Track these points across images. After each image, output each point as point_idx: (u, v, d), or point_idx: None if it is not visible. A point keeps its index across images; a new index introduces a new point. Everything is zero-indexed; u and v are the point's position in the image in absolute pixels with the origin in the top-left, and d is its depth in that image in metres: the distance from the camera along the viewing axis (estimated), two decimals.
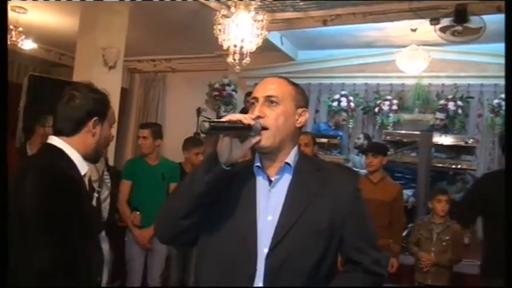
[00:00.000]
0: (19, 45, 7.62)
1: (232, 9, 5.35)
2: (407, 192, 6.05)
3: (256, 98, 1.69)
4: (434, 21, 5.89)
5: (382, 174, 4.62)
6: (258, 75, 8.87)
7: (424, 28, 6.41)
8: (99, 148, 2.09)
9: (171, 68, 10.19)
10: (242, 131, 1.57)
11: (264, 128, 1.62)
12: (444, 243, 4.28)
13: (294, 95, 1.71)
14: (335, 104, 8.03)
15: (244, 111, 7.13)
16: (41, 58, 10.07)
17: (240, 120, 1.54)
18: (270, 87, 1.70)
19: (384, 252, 4.29)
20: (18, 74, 9.91)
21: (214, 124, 1.50)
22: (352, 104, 8.04)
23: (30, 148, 4.11)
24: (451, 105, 7.23)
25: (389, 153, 6.65)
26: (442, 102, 7.37)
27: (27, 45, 8.03)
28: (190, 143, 4.60)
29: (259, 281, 1.57)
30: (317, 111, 8.68)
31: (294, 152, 1.72)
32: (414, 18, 6.13)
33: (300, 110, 1.72)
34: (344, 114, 7.77)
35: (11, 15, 7.29)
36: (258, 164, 1.71)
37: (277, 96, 1.67)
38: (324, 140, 7.00)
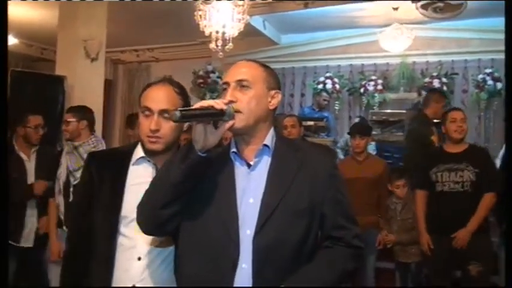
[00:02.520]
0: None
1: None
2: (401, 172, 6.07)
3: (227, 83, 1.69)
4: None
5: (366, 153, 4.68)
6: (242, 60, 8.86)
7: (406, 6, 6.42)
8: None
9: (154, 58, 10.13)
10: (215, 117, 1.57)
11: (237, 111, 1.62)
12: (406, 222, 4.40)
13: (265, 77, 1.71)
14: (320, 86, 8.02)
15: None
16: (23, 53, 9.93)
17: (212, 106, 1.54)
18: (240, 71, 1.70)
19: (372, 230, 4.40)
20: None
21: (185, 112, 1.49)
22: (337, 86, 8.03)
23: (17, 145, 4.07)
24: (435, 83, 7.24)
25: (376, 133, 6.71)
26: (426, 80, 7.39)
27: (8, 40, 7.90)
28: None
29: (243, 262, 1.58)
30: (303, 95, 8.70)
31: (270, 133, 1.72)
32: None
33: (272, 92, 1.72)
34: (325, 94, 7.75)
35: None
36: (234, 149, 1.71)
37: (248, 79, 1.67)
38: (311, 123, 6.99)
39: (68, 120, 3.72)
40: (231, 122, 1.60)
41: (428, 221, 4.01)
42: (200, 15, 5.36)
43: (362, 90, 7.96)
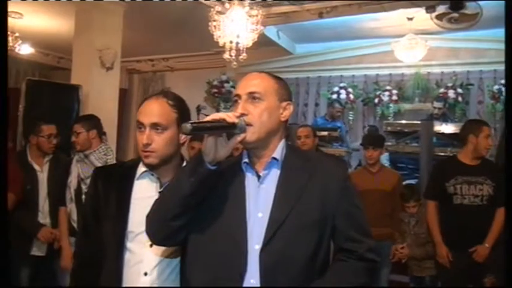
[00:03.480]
0: (16, 50, 7.60)
1: (227, 5, 5.36)
2: (411, 182, 6.02)
3: (239, 95, 1.67)
4: (430, 9, 5.87)
5: (380, 164, 4.64)
6: (256, 70, 8.82)
7: (421, 16, 6.38)
8: None
9: (169, 67, 10.19)
10: (226, 130, 1.56)
11: (249, 125, 1.60)
12: (419, 236, 4.33)
13: (276, 89, 1.69)
14: (334, 96, 8.00)
15: None
16: (40, 62, 10.09)
17: (224, 119, 1.53)
18: (252, 83, 1.68)
19: (386, 242, 4.35)
20: (16, 80, 9.91)
21: (196, 125, 1.48)
22: (351, 96, 8.02)
23: (30, 154, 4.07)
24: (451, 93, 7.18)
25: (391, 144, 6.67)
26: (441, 90, 7.32)
27: (25, 50, 8.03)
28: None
29: (250, 277, 1.57)
30: (317, 104, 8.67)
31: (280, 146, 1.70)
32: (410, 7, 6.11)
33: (284, 104, 1.70)
34: (337, 106, 7.72)
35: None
36: (246, 160, 1.69)
37: (260, 92, 1.65)
38: (325, 133, 6.97)
39: (78, 131, 3.73)
40: (242, 135, 1.59)
41: (445, 233, 3.93)
42: (214, 26, 5.38)
43: (376, 100, 7.92)
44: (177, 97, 1.95)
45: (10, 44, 7.34)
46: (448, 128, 6.74)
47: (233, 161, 1.72)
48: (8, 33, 7.28)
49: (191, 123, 1.46)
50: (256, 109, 1.63)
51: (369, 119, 8.22)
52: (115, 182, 1.96)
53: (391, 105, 7.77)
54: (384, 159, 6.24)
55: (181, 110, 1.92)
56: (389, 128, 7.07)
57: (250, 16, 5.38)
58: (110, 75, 6.38)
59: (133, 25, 6.87)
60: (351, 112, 8.15)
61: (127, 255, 1.88)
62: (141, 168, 1.95)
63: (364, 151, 4.71)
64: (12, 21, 7.34)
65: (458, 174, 3.89)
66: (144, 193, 1.90)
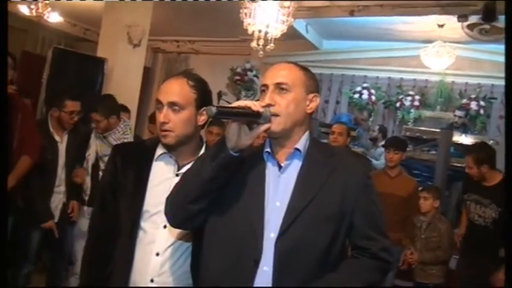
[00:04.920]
0: (45, 17, 7.61)
1: None
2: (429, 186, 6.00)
3: (266, 85, 1.68)
4: (462, 18, 5.81)
5: (399, 169, 4.62)
6: (281, 62, 8.84)
7: (451, 24, 6.33)
8: None
9: (194, 50, 10.18)
10: (251, 118, 1.57)
11: (275, 115, 1.62)
12: (429, 240, 4.30)
13: (304, 80, 1.70)
14: (356, 96, 7.97)
15: None
16: (66, 32, 10.09)
17: (249, 107, 1.54)
18: (280, 73, 1.68)
19: (395, 248, 4.33)
20: (42, 47, 9.99)
21: (221, 109, 1.50)
22: (373, 97, 8.00)
23: (51, 125, 4.08)
24: (473, 105, 7.14)
25: (408, 149, 6.64)
26: (464, 101, 7.29)
27: (53, 18, 8.02)
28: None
29: (264, 265, 1.58)
30: (338, 102, 8.65)
31: (304, 137, 1.71)
32: (442, 13, 6.05)
33: (310, 96, 1.71)
34: (365, 114, 7.71)
35: None
36: (268, 149, 1.71)
37: (288, 83, 1.66)
38: None
39: (97, 119, 3.75)
40: (266, 125, 1.60)
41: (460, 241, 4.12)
42: (245, 13, 5.36)
43: (398, 104, 7.89)
44: (199, 78, 1.94)
45: (39, 10, 7.37)
46: (467, 139, 6.69)
47: (256, 150, 1.73)
48: None
49: (217, 106, 1.48)
50: (283, 100, 1.64)
51: (389, 122, 8.17)
52: (134, 161, 1.97)
53: (412, 110, 7.73)
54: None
55: (201, 91, 1.91)
56: (408, 133, 7.04)
57: (281, 7, 5.36)
58: (136, 52, 6.38)
59: (162, 4, 6.87)
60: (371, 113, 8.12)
61: (140, 234, 1.90)
62: (160, 150, 1.96)
63: (385, 153, 4.69)
64: None
65: (471, 191, 4.00)
66: (162, 175, 1.92)
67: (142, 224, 1.90)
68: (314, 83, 1.75)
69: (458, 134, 6.68)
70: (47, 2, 7.49)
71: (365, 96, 7.93)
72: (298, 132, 1.70)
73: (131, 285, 1.88)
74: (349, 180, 1.67)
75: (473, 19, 5.80)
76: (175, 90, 1.86)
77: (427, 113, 7.69)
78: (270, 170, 1.69)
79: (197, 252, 1.82)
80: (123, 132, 3.79)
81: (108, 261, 1.92)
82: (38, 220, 3.84)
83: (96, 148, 3.80)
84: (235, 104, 1.56)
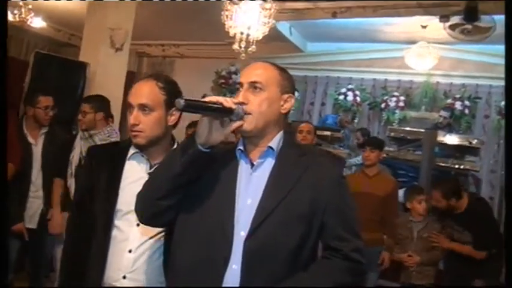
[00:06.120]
0: (28, 22, 7.58)
1: None
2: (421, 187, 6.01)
3: (241, 84, 1.68)
4: (444, 18, 5.81)
5: (378, 168, 4.64)
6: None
7: (435, 25, 6.33)
8: None
9: (179, 54, 10.13)
10: (222, 114, 1.56)
11: (247, 113, 1.61)
12: (425, 241, 4.23)
13: (279, 80, 1.70)
14: (341, 97, 7.97)
15: None
16: (51, 37, 10.02)
17: (221, 103, 1.53)
18: (255, 72, 1.69)
19: (374, 247, 4.33)
20: (27, 52, 9.90)
21: (190, 102, 1.48)
22: (358, 99, 7.99)
23: (25, 126, 4.08)
24: (458, 105, 7.15)
25: (392, 149, 6.65)
26: (449, 101, 7.29)
27: (36, 23, 7.99)
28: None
29: (233, 263, 1.57)
30: (323, 104, 8.63)
31: (278, 137, 1.70)
32: (424, 14, 6.07)
33: (285, 96, 1.71)
34: (349, 116, 7.71)
35: None
36: (241, 147, 1.70)
37: (262, 82, 1.66)
38: (327, 133, 6.95)
39: (85, 111, 3.75)
40: (238, 123, 1.60)
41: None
42: (226, 15, 5.36)
43: (383, 105, 7.88)
44: (168, 80, 2.01)
45: (22, 15, 7.34)
46: (451, 139, 6.71)
47: (229, 148, 1.73)
48: (21, 3, 7.30)
49: (185, 99, 1.46)
50: (256, 98, 1.64)
51: (374, 124, 8.17)
52: (107, 161, 2.03)
53: (397, 111, 7.71)
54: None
55: (171, 92, 1.95)
56: (392, 134, 7.06)
57: (263, 9, 5.36)
58: (119, 56, 6.31)
59: (146, 7, 6.83)
60: (356, 115, 8.11)
61: (114, 232, 1.95)
62: (132, 150, 2.02)
63: (362, 152, 4.69)
64: None
65: (447, 218, 4.25)
66: (134, 173, 1.98)
67: (117, 222, 1.95)
68: (289, 84, 1.75)
69: (442, 134, 6.69)
70: (30, 7, 7.47)
71: (350, 97, 7.92)
72: (272, 132, 1.69)
73: (106, 281, 1.93)
74: (320, 180, 1.66)
75: (455, 19, 5.80)
76: (145, 92, 1.93)
77: (412, 114, 7.68)
78: (243, 168, 1.68)
79: (169, 249, 1.83)
80: (109, 135, 3.79)
81: (86, 260, 1.97)
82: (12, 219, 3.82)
83: (81, 149, 3.78)
84: (207, 99, 1.55)
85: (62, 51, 9.89)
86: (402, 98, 7.74)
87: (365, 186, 4.42)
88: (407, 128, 7.25)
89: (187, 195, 1.64)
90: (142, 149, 1.98)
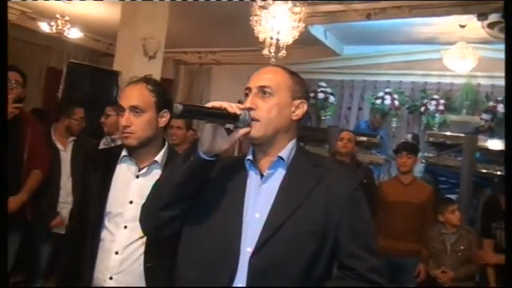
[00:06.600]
0: (65, 33, 7.76)
1: (270, 0, 5.26)
2: (451, 198, 5.77)
3: (249, 89, 1.59)
4: (482, 16, 5.58)
5: (413, 175, 4.44)
6: (302, 69, 8.73)
7: (474, 24, 6.12)
8: None
9: (216, 61, 10.20)
10: (226, 120, 1.47)
11: (255, 120, 1.51)
12: (460, 254, 3.98)
13: (290, 85, 1.60)
14: (379, 101, 7.78)
15: None
16: (90, 48, 10.31)
17: (225, 108, 1.45)
18: (264, 77, 1.60)
19: (412, 258, 4.13)
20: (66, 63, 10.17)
21: (189, 107, 1.39)
22: (396, 103, 7.77)
23: (54, 132, 4.17)
24: (500, 108, 6.83)
25: (432, 155, 6.41)
26: (491, 103, 7.00)
27: (73, 34, 8.17)
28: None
29: (239, 281, 1.46)
30: (360, 108, 8.50)
31: (290, 145, 1.59)
32: (461, 13, 5.87)
33: (297, 102, 1.60)
34: (378, 116, 7.51)
35: (58, 4, 7.49)
36: (250, 157, 1.60)
37: (271, 86, 1.56)
38: (364, 139, 6.76)
39: (108, 113, 3.80)
40: (245, 130, 1.50)
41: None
42: (255, 21, 5.31)
43: (422, 109, 7.66)
44: (157, 83, 2.07)
45: (59, 27, 7.51)
46: (494, 144, 6.38)
47: (239, 157, 1.65)
48: (57, 16, 7.48)
49: (183, 104, 1.37)
50: (265, 104, 1.55)
51: (414, 128, 7.95)
52: (101, 164, 2.09)
53: (437, 115, 7.48)
54: (418, 171, 6.00)
55: (160, 95, 2.02)
56: (431, 139, 6.77)
57: (292, 13, 5.28)
58: (152, 64, 6.37)
59: (181, 16, 6.88)
60: (394, 119, 7.90)
61: (105, 234, 2.00)
62: (123, 153, 2.06)
63: (397, 158, 4.51)
64: (62, 5, 7.52)
65: (499, 219, 3.75)
66: (123, 176, 2.03)
67: (107, 224, 2.00)
68: (302, 89, 1.64)
69: (484, 139, 6.39)
70: (67, 18, 7.63)
71: (387, 101, 7.71)
72: (282, 140, 1.58)
73: (94, 282, 1.98)
74: (333, 193, 1.53)
75: (494, 17, 5.56)
76: (136, 95, 1.99)
77: (452, 117, 7.44)
78: (252, 179, 1.58)
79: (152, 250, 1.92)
80: None
81: (81, 261, 2.03)
82: (45, 222, 3.90)
83: None
84: (210, 104, 1.46)
85: (102, 60, 10.10)
86: (442, 101, 7.51)
87: (400, 195, 4.25)
88: (447, 133, 6.96)
89: (192, 206, 1.56)
90: (132, 150, 2.02)
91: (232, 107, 1.46)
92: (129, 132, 1.97)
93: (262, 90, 1.56)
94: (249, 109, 1.52)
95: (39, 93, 9.82)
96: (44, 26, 7.90)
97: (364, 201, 1.62)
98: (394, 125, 7.90)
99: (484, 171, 6.07)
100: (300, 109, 1.61)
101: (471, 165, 5.82)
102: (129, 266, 1.95)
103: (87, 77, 5.81)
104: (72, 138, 4.18)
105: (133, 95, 1.98)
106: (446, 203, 4.18)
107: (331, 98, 8.18)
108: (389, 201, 4.31)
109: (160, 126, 2.03)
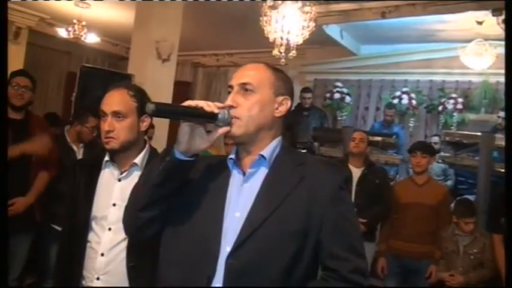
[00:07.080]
0: (82, 38, 7.86)
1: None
2: (468, 198, 5.64)
3: (231, 86, 1.56)
4: (497, 12, 5.44)
5: (427, 175, 4.34)
6: (318, 70, 8.71)
7: (491, 20, 5.96)
8: None
9: (233, 63, 10.19)
10: (204, 119, 1.45)
11: (235, 118, 1.49)
12: (472, 257, 3.86)
13: (273, 81, 1.56)
14: (395, 101, 7.68)
15: (299, 106, 6.97)
16: (109, 52, 10.44)
17: (202, 107, 1.42)
18: (245, 73, 1.57)
19: (425, 260, 4.03)
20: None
21: (161, 107, 1.36)
22: (413, 102, 7.67)
23: (69, 137, 4.21)
24: None
25: (449, 155, 6.29)
26: None
27: (91, 38, 8.27)
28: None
29: (217, 281, 1.42)
30: (378, 108, 8.40)
31: (273, 144, 1.56)
32: (476, 9, 5.73)
33: (280, 98, 1.56)
34: (388, 110, 7.38)
35: (75, 9, 7.58)
36: (233, 156, 1.57)
37: (253, 83, 1.53)
38: (378, 139, 6.67)
39: None
40: (225, 129, 1.47)
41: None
42: (265, 21, 5.28)
43: (440, 108, 7.54)
44: (138, 89, 2.14)
45: (76, 32, 7.61)
46: None
47: (222, 157, 1.61)
48: (75, 21, 7.57)
49: (156, 103, 1.35)
50: (246, 102, 1.51)
51: (432, 127, 7.83)
52: (86, 171, 2.16)
53: (455, 114, 7.36)
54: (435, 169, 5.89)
55: (141, 99, 2.06)
56: (447, 138, 6.63)
57: (303, 13, 5.23)
58: (166, 67, 6.41)
59: (197, 19, 6.90)
60: (412, 118, 7.79)
61: (91, 235, 2.07)
62: (106, 158, 2.12)
63: (411, 158, 4.41)
64: (79, 11, 7.61)
65: None
66: (107, 180, 2.10)
67: (94, 227, 2.07)
68: (285, 85, 1.60)
69: (502, 138, 6.24)
70: (84, 23, 7.73)
71: (405, 101, 7.61)
72: (265, 138, 1.55)
73: (82, 282, 2.05)
74: (316, 191, 1.48)
75: None
76: (117, 100, 2.03)
77: (471, 116, 7.31)
78: (235, 178, 1.55)
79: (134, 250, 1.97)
80: None
81: (72, 263, 2.10)
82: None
83: None
84: (186, 103, 1.43)
85: (120, 64, 10.19)
86: (460, 99, 7.38)
87: (415, 196, 4.15)
88: (464, 132, 6.82)
89: (174, 206, 1.53)
90: (114, 154, 2.08)
91: (210, 106, 1.43)
92: (111, 137, 2.02)
93: (244, 88, 1.53)
94: (230, 107, 1.49)
95: (58, 98, 9.97)
96: (62, 32, 8.05)
97: (349, 200, 1.60)
98: (411, 125, 7.79)
99: (502, 170, 5.91)
100: (284, 106, 1.57)
101: (488, 164, 5.67)
102: (115, 267, 2.00)
103: (101, 81, 5.83)
104: (82, 145, 4.24)
105: (115, 101, 2.03)
106: (466, 211, 4.00)
107: (347, 98, 8.12)
108: (402, 203, 4.21)
109: (142, 130, 2.10)
